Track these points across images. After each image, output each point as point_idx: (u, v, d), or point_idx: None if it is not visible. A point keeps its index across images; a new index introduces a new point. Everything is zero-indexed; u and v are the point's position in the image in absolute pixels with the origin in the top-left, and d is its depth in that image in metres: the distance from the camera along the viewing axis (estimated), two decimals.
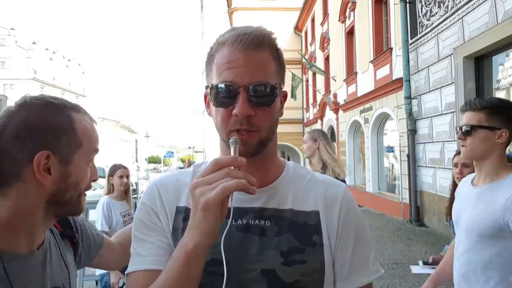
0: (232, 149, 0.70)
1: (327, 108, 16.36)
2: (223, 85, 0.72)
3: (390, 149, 10.42)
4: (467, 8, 6.19)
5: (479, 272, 1.41)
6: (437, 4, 7.20)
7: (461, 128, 1.49)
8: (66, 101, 0.89)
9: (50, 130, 0.81)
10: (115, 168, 3.52)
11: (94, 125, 0.91)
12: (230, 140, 0.70)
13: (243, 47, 0.72)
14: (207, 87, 0.76)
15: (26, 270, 0.82)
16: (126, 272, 0.78)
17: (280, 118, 0.80)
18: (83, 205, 0.91)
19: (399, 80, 8.76)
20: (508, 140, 1.45)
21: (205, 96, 0.80)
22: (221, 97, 0.73)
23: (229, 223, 0.68)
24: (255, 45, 0.73)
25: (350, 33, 13.40)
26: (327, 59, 16.97)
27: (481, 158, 1.48)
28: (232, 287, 0.68)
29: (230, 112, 0.72)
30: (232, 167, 0.65)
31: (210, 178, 0.64)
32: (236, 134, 0.72)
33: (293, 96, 17.07)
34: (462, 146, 1.51)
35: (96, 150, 0.91)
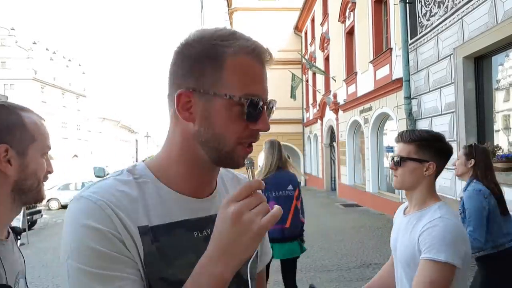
0: (249, 171, 0.69)
1: (327, 108, 16.37)
2: (260, 99, 0.70)
3: (390, 149, 10.42)
4: (466, 8, 6.20)
5: None
6: (436, 4, 7.22)
7: (393, 159, 1.57)
8: (13, 103, 1.02)
9: (4, 128, 0.95)
10: None
11: (43, 122, 1.04)
12: (246, 162, 0.70)
13: (264, 61, 0.73)
14: (237, 97, 0.69)
15: (8, 253, 0.97)
16: None
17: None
18: (43, 193, 1.04)
19: (399, 80, 8.77)
20: (435, 172, 1.51)
21: (181, 95, 0.71)
22: (251, 110, 0.70)
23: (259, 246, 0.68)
24: (267, 62, 0.74)
25: (350, 33, 13.41)
26: (327, 59, 16.98)
27: (410, 188, 1.53)
28: None
29: (245, 125, 0.71)
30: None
31: (249, 203, 0.63)
32: (244, 147, 0.72)
33: (293, 96, 17.10)
34: (394, 176, 1.57)
35: (49, 147, 1.04)
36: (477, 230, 2.41)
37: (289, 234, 3.26)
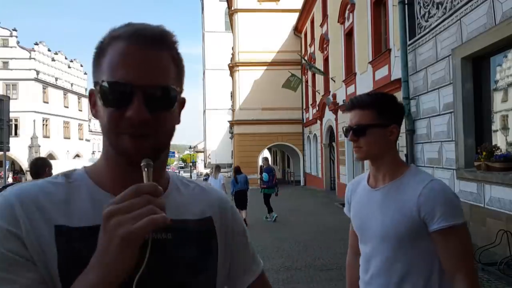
0: (144, 173, 0.61)
1: (327, 109, 16.42)
2: (116, 83, 0.62)
3: None
4: (465, 10, 6.25)
5: (401, 282, 1.33)
6: (435, 6, 7.27)
7: (351, 129, 1.38)
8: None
9: None
10: None
11: None
12: (142, 163, 0.62)
13: (142, 43, 0.64)
14: (96, 83, 0.66)
15: None
16: None
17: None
18: None
19: (398, 80, 8.82)
20: (397, 134, 1.39)
21: (91, 95, 0.70)
22: (113, 96, 0.63)
23: (146, 258, 0.58)
24: (156, 43, 0.65)
25: (349, 34, 13.46)
26: (326, 60, 17.03)
27: (377, 157, 1.38)
28: None
29: (122, 114, 0.63)
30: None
31: (129, 205, 0.55)
32: (129, 138, 0.64)
33: (290, 87, 17.58)
34: (357, 147, 1.38)
35: None
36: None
37: (272, 185, 10.55)
